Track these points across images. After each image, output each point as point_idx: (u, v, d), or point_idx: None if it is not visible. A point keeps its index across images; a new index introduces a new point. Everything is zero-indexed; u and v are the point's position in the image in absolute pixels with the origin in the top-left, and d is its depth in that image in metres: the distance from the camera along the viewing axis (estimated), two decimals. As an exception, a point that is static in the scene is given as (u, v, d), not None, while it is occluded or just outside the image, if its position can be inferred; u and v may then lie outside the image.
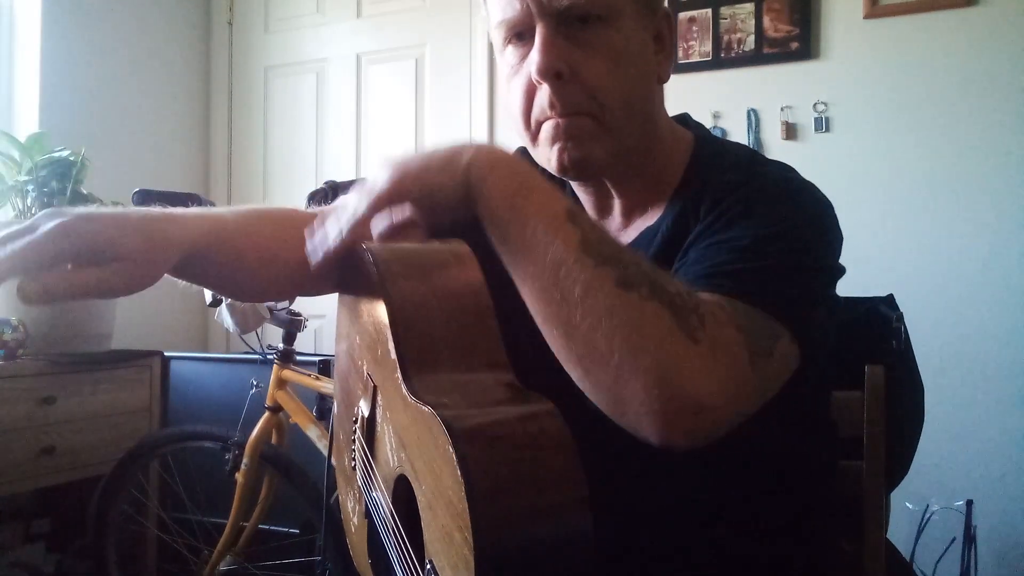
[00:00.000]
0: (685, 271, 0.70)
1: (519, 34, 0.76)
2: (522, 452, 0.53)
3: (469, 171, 0.62)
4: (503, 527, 0.50)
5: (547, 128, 0.76)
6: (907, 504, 2.03)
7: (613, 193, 0.84)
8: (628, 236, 0.82)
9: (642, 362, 0.56)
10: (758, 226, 0.69)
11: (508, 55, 0.78)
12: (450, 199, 0.62)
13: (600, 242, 0.60)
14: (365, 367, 0.79)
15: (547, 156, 0.77)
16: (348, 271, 0.82)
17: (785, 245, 0.69)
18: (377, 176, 0.62)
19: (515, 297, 0.63)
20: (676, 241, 0.76)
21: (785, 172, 0.78)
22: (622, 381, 0.57)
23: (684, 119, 0.88)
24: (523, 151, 0.83)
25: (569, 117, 0.74)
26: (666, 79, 0.82)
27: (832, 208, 0.76)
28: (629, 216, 0.84)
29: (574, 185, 0.86)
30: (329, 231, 0.65)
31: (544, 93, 0.74)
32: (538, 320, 0.61)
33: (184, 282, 0.74)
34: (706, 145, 0.84)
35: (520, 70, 0.76)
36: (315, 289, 0.87)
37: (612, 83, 0.74)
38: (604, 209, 0.85)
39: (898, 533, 1.96)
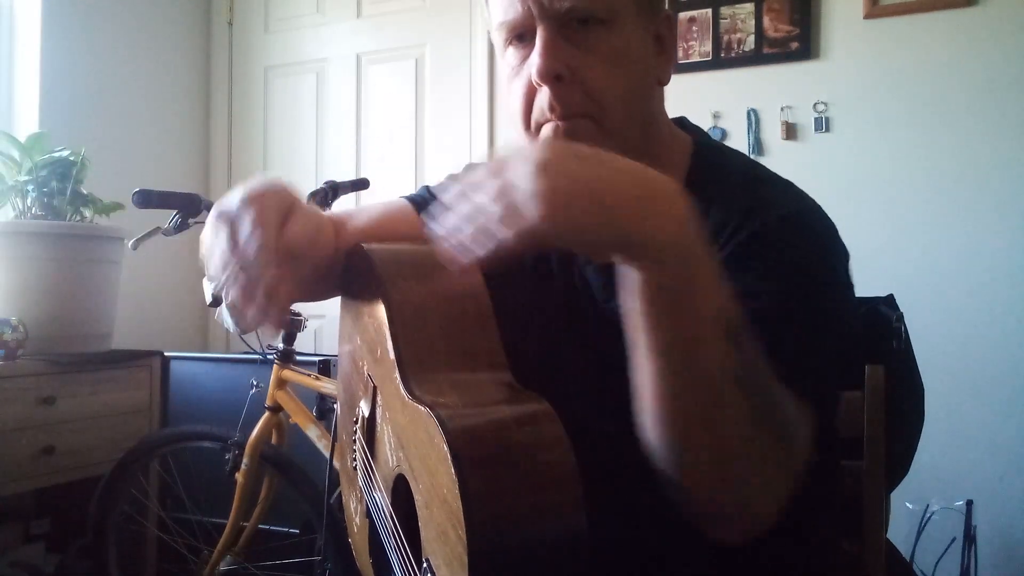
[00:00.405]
0: None
1: (520, 36, 0.76)
2: (517, 451, 0.53)
3: (640, 235, 0.53)
4: (497, 525, 0.50)
5: (547, 130, 0.76)
6: (907, 504, 2.03)
7: None
8: None
9: (739, 495, 0.60)
10: (773, 280, 0.69)
11: (509, 56, 0.78)
12: (592, 247, 0.55)
13: (752, 369, 0.58)
14: (366, 368, 0.80)
15: None
16: (350, 273, 0.82)
17: (805, 301, 0.69)
18: (536, 194, 0.50)
19: (515, 299, 0.63)
20: None
21: (788, 199, 0.77)
22: (711, 497, 0.61)
23: (682, 122, 0.88)
24: None
25: (569, 119, 0.74)
26: (666, 81, 0.82)
27: (834, 227, 0.76)
28: None
29: None
30: (472, 243, 0.53)
31: (544, 95, 0.74)
32: (655, 400, 0.58)
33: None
34: (705, 150, 0.84)
35: (521, 72, 0.76)
36: (320, 295, 0.87)
37: (612, 85, 0.74)
38: None
39: (898, 533, 1.96)
